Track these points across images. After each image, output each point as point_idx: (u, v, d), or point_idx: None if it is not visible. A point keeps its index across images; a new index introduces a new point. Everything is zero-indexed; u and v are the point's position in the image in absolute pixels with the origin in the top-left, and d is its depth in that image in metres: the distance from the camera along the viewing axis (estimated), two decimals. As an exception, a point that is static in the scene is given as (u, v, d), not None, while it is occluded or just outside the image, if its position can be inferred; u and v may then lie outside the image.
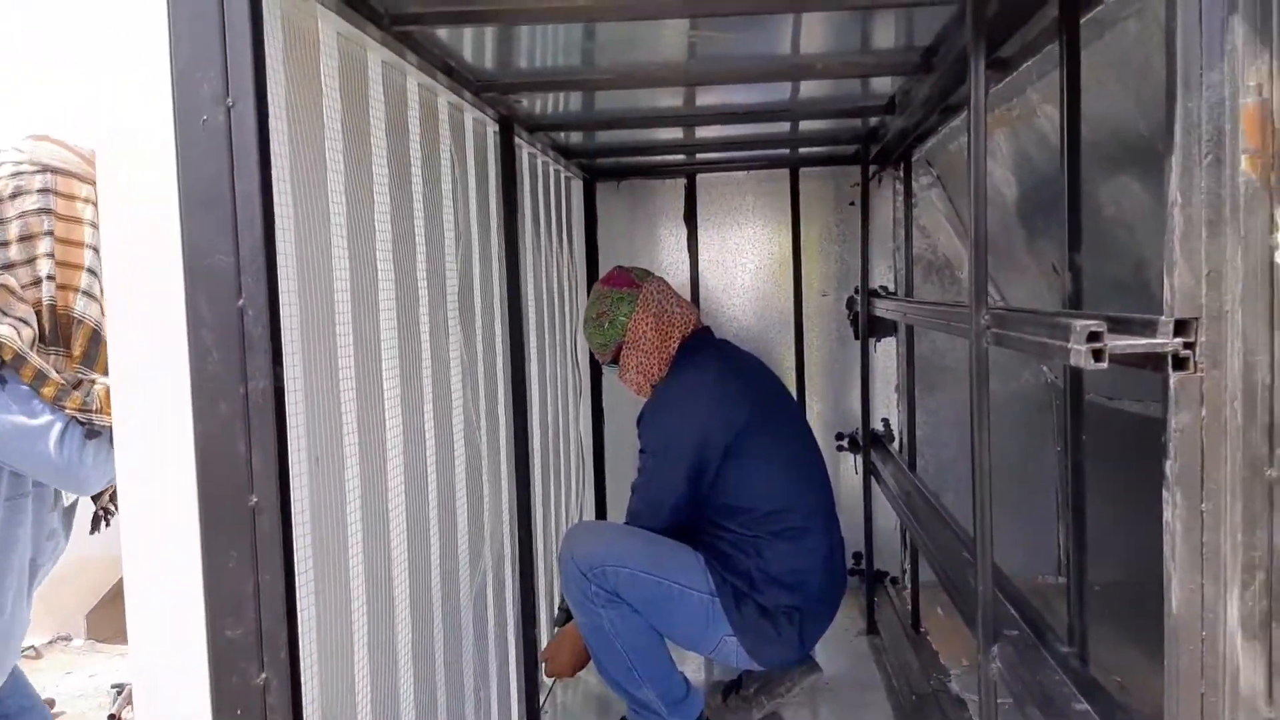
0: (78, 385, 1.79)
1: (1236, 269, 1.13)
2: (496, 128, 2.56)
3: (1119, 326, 1.28)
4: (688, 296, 3.86)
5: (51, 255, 1.80)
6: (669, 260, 3.89)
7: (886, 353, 3.83)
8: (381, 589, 1.85)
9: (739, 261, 3.89)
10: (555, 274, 3.46)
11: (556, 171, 3.48)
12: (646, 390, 2.72)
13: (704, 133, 3.32)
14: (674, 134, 3.35)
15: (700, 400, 2.55)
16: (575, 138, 3.29)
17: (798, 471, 2.63)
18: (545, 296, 3.29)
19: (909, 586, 3.53)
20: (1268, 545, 1.15)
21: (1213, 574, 1.18)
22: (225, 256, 1.23)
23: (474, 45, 2.14)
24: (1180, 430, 1.18)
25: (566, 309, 3.64)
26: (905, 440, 3.54)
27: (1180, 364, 1.17)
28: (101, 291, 1.78)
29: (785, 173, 3.79)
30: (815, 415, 3.88)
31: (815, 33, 2.18)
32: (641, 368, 2.70)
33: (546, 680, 3.12)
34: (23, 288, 1.75)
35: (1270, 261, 1.11)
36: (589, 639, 2.58)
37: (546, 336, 3.29)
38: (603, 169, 3.79)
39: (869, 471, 3.47)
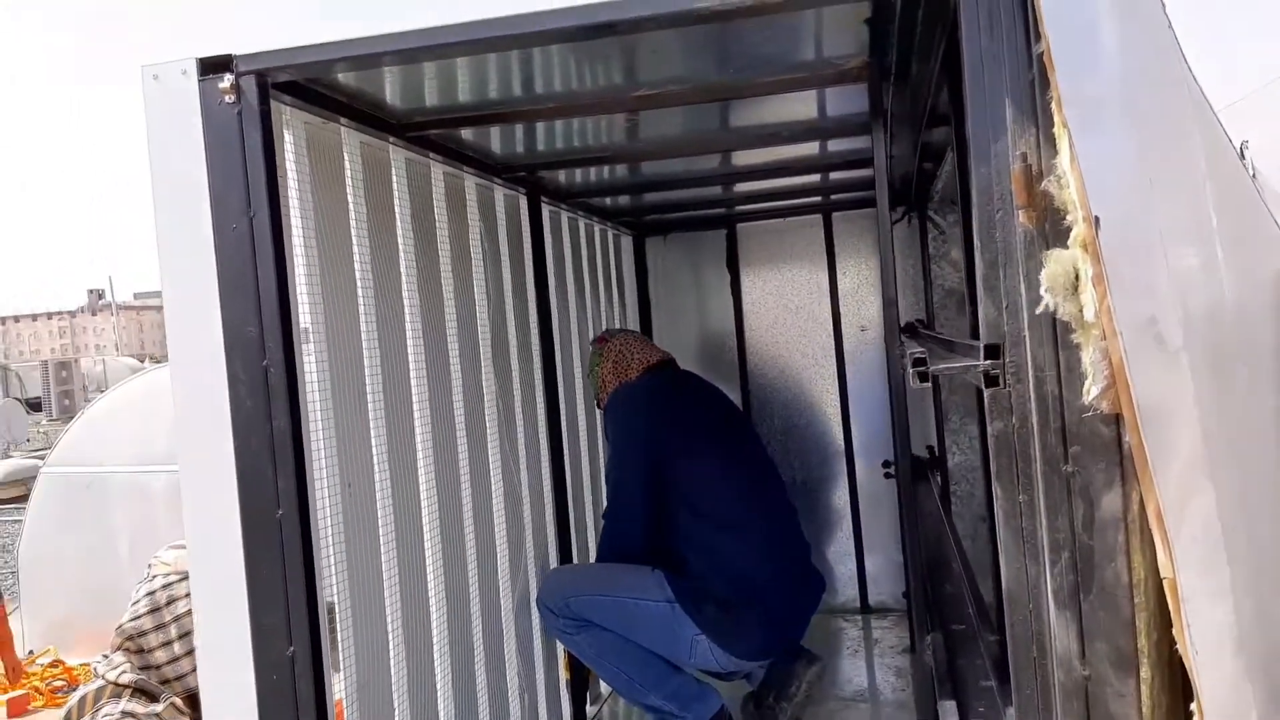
0: None
1: (1025, 301, 1.38)
2: (525, 200, 2.95)
3: (956, 350, 1.54)
4: (733, 337, 4.16)
5: None
6: (715, 303, 4.20)
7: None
8: (416, 589, 2.21)
9: (780, 302, 4.17)
10: (603, 321, 3.82)
11: (602, 230, 3.86)
12: None
13: (742, 187, 3.65)
14: (713, 191, 3.69)
15: (642, 400, 2.94)
16: (623, 200, 3.66)
17: (735, 476, 2.91)
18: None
19: (954, 605, 3.68)
20: (1069, 528, 1.38)
21: (1032, 555, 1.42)
22: (252, 328, 1.63)
23: (500, 138, 2.52)
24: (996, 436, 1.43)
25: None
26: (940, 466, 3.72)
27: (992, 381, 1.42)
28: None
29: (819, 218, 4.06)
30: (861, 442, 4.10)
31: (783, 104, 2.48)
32: (604, 401, 3.11)
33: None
34: (179, 678, 2.20)
35: (1048, 295, 1.36)
36: (591, 667, 2.90)
37: (595, 379, 3.64)
38: (649, 224, 4.15)
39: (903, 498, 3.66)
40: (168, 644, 2.33)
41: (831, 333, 4.09)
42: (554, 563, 3.03)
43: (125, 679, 2.28)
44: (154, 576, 2.40)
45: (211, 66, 1.63)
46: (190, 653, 2.34)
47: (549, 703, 2.96)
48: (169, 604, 2.33)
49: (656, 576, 2.79)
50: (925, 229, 3.52)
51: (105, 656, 2.38)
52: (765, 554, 2.82)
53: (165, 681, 2.30)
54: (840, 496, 4.11)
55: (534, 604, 2.87)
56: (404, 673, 2.12)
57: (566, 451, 3.13)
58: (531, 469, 2.92)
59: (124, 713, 2.25)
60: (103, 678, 2.30)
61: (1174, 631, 1.30)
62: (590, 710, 3.18)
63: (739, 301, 4.16)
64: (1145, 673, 1.38)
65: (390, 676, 2.08)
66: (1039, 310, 1.33)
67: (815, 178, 3.57)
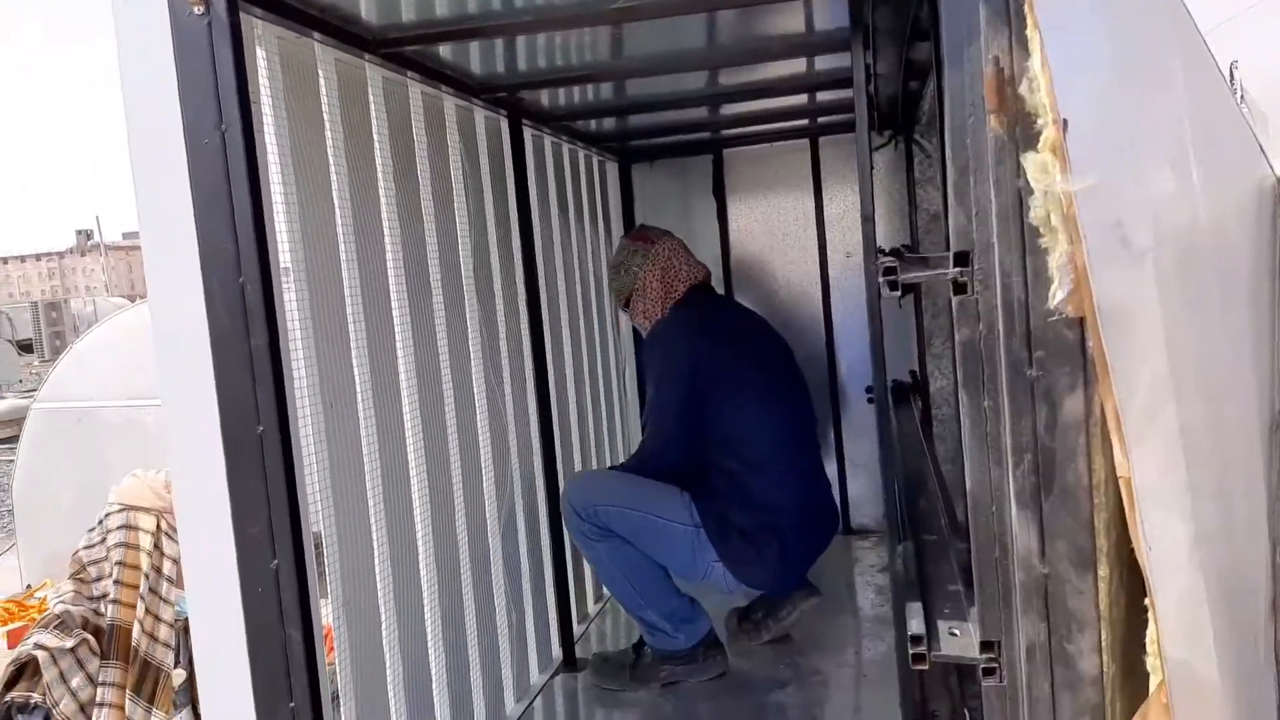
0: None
1: (994, 208, 1.39)
2: (506, 123, 2.92)
3: (926, 262, 1.55)
4: (718, 264, 4.16)
5: (119, 581, 2.33)
6: (701, 230, 4.18)
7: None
8: (401, 510, 2.24)
9: (766, 229, 4.16)
10: (589, 249, 3.81)
11: (587, 156, 3.83)
12: (647, 327, 3.17)
13: (728, 109, 3.61)
14: (700, 114, 3.65)
15: (689, 330, 3.00)
16: (608, 124, 3.62)
17: (772, 408, 2.98)
18: (578, 270, 3.65)
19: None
20: (1032, 431, 1.40)
21: (995, 458, 1.45)
22: (228, 244, 1.63)
23: (480, 55, 2.48)
24: (963, 342, 1.45)
25: (605, 280, 3.99)
26: (922, 391, 3.76)
27: (960, 289, 1.44)
28: (163, 603, 2.31)
29: (806, 143, 4.03)
30: (846, 369, 4.13)
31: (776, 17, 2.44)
32: (646, 311, 3.14)
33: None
34: (98, 613, 2.27)
35: (1018, 200, 1.36)
36: (596, 572, 2.96)
37: (580, 305, 3.64)
38: (635, 150, 4.11)
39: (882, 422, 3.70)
40: (108, 574, 2.42)
41: (818, 259, 4.09)
42: (540, 484, 3.07)
43: (57, 609, 2.36)
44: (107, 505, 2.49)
45: (179, -24, 1.61)
46: (119, 582, 2.43)
47: (536, 619, 3.02)
48: (107, 533, 2.41)
49: (684, 499, 2.87)
50: (911, 153, 3.49)
51: (59, 585, 2.46)
52: (792, 490, 2.92)
53: (100, 613, 2.39)
54: (824, 421, 4.15)
55: (522, 519, 2.92)
56: (390, 592, 2.16)
57: (551, 375, 3.15)
58: (516, 393, 2.95)
59: (36, 644, 2.33)
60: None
61: (1129, 530, 1.34)
62: (578, 629, 3.25)
63: (725, 228, 4.15)
64: (1103, 570, 1.42)
65: (377, 595, 2.13)
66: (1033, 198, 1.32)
67: (802, 99, 3.52)
